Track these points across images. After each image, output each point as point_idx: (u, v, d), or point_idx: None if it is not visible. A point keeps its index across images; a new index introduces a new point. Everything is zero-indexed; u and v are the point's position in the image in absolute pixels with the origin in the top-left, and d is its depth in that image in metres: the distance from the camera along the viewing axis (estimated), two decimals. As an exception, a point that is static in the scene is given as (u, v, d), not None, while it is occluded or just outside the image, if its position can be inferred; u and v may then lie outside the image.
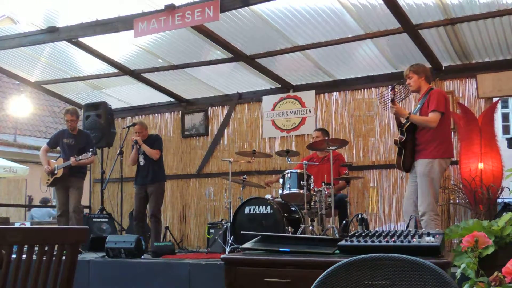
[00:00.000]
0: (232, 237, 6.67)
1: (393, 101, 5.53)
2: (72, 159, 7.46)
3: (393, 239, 2.81)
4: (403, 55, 7.55)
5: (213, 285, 5.56)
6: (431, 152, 5.52)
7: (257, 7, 6.68)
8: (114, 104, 9.95)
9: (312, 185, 6.69)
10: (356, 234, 2.99)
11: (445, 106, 5.58)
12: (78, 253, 2.57)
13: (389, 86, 5.67)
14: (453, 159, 7.36)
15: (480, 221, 4.10)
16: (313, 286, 1.78)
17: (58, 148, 8.05)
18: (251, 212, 6.74)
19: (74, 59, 8.70)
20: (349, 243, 2.89)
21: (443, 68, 7.73)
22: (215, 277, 5.56)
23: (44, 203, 13.49)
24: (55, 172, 7.66)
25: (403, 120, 5.72)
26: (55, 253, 2.43)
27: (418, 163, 5.58)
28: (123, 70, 8.80)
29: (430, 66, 7.55)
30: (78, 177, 7.78)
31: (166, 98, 9.90)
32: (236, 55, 7.89)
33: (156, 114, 10.28)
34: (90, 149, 7.59)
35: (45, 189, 8.09)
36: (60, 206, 7.75)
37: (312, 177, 6.79)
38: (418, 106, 5.71)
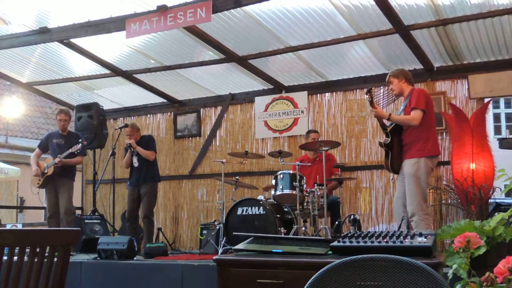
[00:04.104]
0: (224, 238, 6.67)
1: (371, 103, 5.58)
2: (57, 159, 7.49)
3: (385, 240, 2.82)
4: (395, 56, 7.57)
5: (206, 286, 5.55)
6: (416, 152, 5.56)
7: (249, 8, 6.67)
8: (106, 105, 9.92)
9: (304, 186, 6.70)
10: (349, 235, 2.99)
11: (426, 103, 5.60)
12: (70, 254, 2.56)
13: (365, 89, 5.72)
14: (445, 159, 7.44)
15: (472, 222, 4.12)
16: (305, 287, 1.78)
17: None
18: (244, 213, 6.74)
19: (65, 60, 8.66)
20: (341, 244, 2.89)
21: (435, 68, 7.75)
22: (207, 278, 5.56)
23: None
24: (45, 171, 7.64)
25: (387, 123, 5.75)
26: (46, 254, 2.42)
27: (405, 163, 5.63)
28: (115, 71, 8.78)
29: (422, 67, 7.61)
30: (67, 178, 7.76)
31: (158, 99, 9.89)
32: (229, 56, 7.88)
33: (148, 115, 10.26)
34: (80, 139, 7.64)
35: (37, 191, 8.04)
36: (51, 207, 7.74)
37: (304, 178, 6.79)
38: (402, 107, 5.77)
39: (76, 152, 7.63)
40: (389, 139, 5.63)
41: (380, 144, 5.73)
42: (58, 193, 7.70)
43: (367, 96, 5.63)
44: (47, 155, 8.11)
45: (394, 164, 5.68)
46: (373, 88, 5.85)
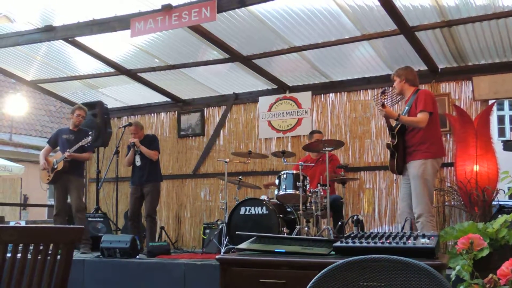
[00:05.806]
0: (227, 237, 6.67)
1: (383, 104, 5.52)
2: (66, 153, 7.46)
3: (388, 241, 2.81)
4: (399, 57, 7.55)
5: (208, 285, 5.55)
6: (423, 153, 5.52)
7: (254, 8, 6.68)
8: (110, 104, 9.93)
9: (307, 186, 6.70)
10: (352, 235, 2.99)
11: (433, 106, 5.59)
12: (73, 252, 2.56)
13: (380, 90, 5.66)
14: (448, 161, 7.42)
15: (475, 223, 4.11)
16: (308, 287, 1.78)
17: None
18: (247, 212, 6.74)
19: (70, 58, 8.68)
20: (344, 244, 2.89)
21: (439, 70, 7.74)
22: (210, 278, 5.56)
23: None
24: (55, 166, 7.62)
25: (393, 123, 5.72)
26: (50, 252, 2.42)
27: (411, 165, 5.57)
28: (119, 69, 8.79)
29: (426, 68, 7.59)
30: (77, 176, 7.75)
31: (162, 98, 9.90)
32: (233, 56, 7.88)
33: (152, 114, 10.27)
34: (90, 132, 7.66)
35: (46, 187, 8.02)
36: (58, 205, 7.68)
37: (307, 178, 6.79)
38: (406, 108, 5.72)
39: (86, 145, 7.61)
40: (396, 140, 5.61)
41: (388, 145, 5.66)
42: (68, 191, 7.64)
43: (381, 97, 5.56)
44: (54, 152, 8.11)
45: (399, 165, 5.65)
46: (386, 89, 5.77)
